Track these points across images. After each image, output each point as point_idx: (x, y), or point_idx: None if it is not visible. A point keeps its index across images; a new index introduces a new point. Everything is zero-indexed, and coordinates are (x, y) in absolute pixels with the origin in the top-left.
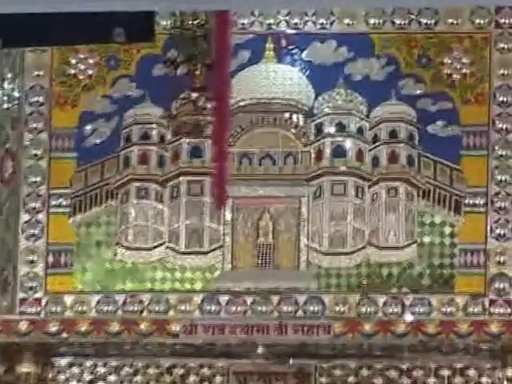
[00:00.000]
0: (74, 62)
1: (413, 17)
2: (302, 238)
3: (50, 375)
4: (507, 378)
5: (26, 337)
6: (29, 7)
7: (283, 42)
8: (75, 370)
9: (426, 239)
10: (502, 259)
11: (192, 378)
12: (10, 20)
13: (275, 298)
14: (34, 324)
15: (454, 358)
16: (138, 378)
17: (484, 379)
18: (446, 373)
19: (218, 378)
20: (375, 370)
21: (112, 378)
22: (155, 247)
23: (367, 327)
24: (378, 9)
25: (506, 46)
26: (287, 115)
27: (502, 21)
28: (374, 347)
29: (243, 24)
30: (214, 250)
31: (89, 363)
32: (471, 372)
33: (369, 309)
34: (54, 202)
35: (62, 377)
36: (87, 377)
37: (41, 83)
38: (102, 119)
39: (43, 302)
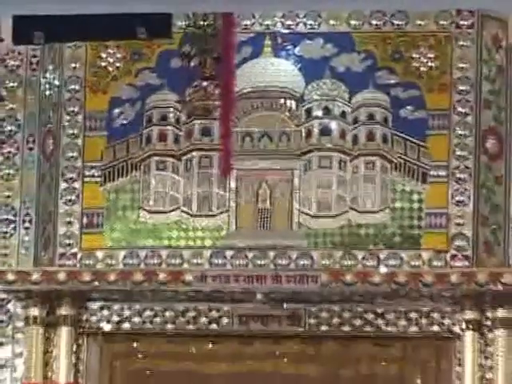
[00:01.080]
0: (104, 56)
1: (387, 19)
2: (294, 204)
3: (84, 317)
4: (465, 319)
5: (64, 285)
6: (68, 8)
7: (279, 40)
8: (105, 312)
9: (398, 204)
10: (461, 221)
11: (202, 320)
12: (52, 19)
13: (271, 254)
14: (70, 274)
15: (420, 303)
16: (157, 319)
17: (446, 321)
18: (414, 315)
19: (224, 320)
20: (355, 312)
21: (136, 319)
22: (172, 211)
23: (348, 277)
24: (359, 12)
25: (464, 44)
26: (282, 101)
27: (462, 22)
28: (354, 294)
29: (246, 25)
30: (221, 213)
31: (116, 307)
32: (435, 315)
33: (350, 262)
34: (87, 173)
35: (94, 318)
36: (115, 318)
37: (77, 74)
38: (128, 104)
39: (78, 256)
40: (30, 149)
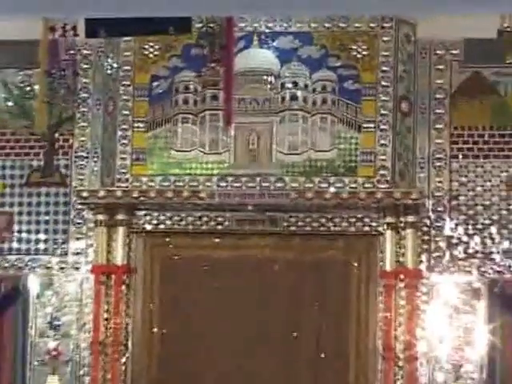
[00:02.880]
0: (146, 47)
1: (335, 22)
2: (273, 146)
3: (134, 221)
4: (386, 223)
5: (120, 199)
6: (122, 13)
7: (263, 36)
8: (147, 217)
9: (342, 146)
10: (383, 157)
11: (211, 223)
12: (111, 20)
13: (258, 179)
14: (124, 192)
15: (357, 212)
16: (182, 222)
17: (373, 223)
18: (352, 220)
19: (226, 222)
20: (313, 218)
21: (167, 222)
22: (191, 150)
23: (309, 195)
24: (317, 17)
25: (386, 39)
26: (265, 77)
27: (384, 25)
28: (312, 206)
29: (241, 26)
30: (224, 152)
31: (155, 214)
32: (366, 220)
33: (310, 185)
34: (135, 125)
35: (140, 221)
36: (154, 222)
37: (128, 59)
38: (162, 79)
39: (130, 180)
40: (98, 109)
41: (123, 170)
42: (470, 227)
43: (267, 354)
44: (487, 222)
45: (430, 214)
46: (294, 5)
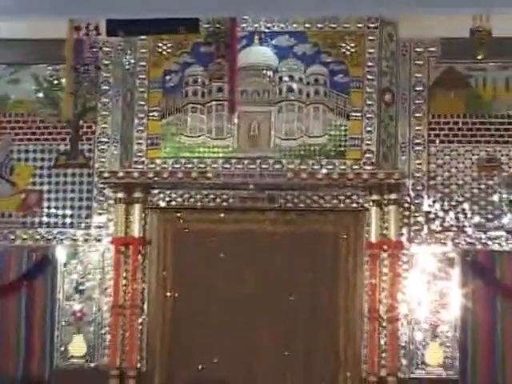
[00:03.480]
0: (160, 44)
1: (326, 23)
2: (271, 132)
3: (149, 198)
4: (371, 200)
5: (137, 179)
6: (138, 15)
7: (262, 36)
8: (161, 195)
9: (332, 132)
10: (369, 142)
11: (217, 200)
12: (129, 21)
13: (258, 161)
14: (141, 173)
15: (346, 190)
16: (191, 199)
17: (360, 200)
18: (341, 197)
19: (230, 200)
20: (307, 196)
21: (179, 199)
22: (199, 136)
23: (303, 175)
24: (311, 18)
25: (371, 38)
26: (264, 71)
27: (370, 25)
28: (306, 185)
29: (243, 26)
30: (229, 137)
31: (167, 192)
32: (354, 197)
33: (304, 166)
34: (150, 114)
35: (154, 199)
36: (167, 199)
37: (144, 55)
38: (174, 73)
39: (145, 162)
40: (117, 100)
41: (139, 154)
42: (445, 204)
43: (267, 316)
44: (461, 199)
45: (410, 192)
46: (291, 7)
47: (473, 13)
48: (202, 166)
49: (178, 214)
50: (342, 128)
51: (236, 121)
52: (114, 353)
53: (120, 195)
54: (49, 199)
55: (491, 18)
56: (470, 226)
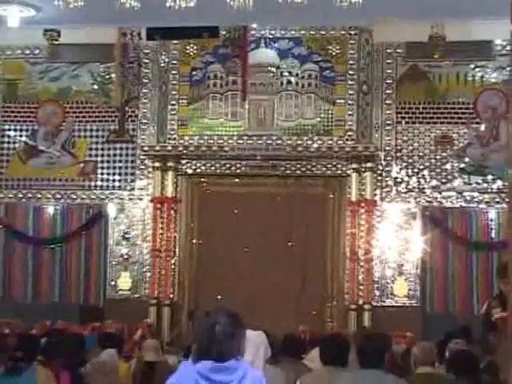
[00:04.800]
0: (187, 47)
1: (317, 30)
2: (275, 115)
3: (179, 166)
4: (351, 168)
5: (170, 152)
6: (170, 24)
7: (267, 40)
8: (188, 164)
9: (322, 115)
10: (350, 123)
11: (232, 168)
12: (164, 29)
13: (264, 137)
14: (173, 147)
15: (332, 160)
16: (212, 167)
17: (344, 168)
18: (329, 166)
19: (242, 168)
20: (303, 164)
21: (202, 167)
22: (218, 118)
23: (300, 148)
24: (306, 26)
25: (352, 42)
26: (269, 68)
27: (350, 32)
28: (302, 156)
29: (252, 33)
30: (242, 119)
31: (194, 162)
32: (339, 165)
33: (300, 141)
34: (181, 101)
35: (183, 167)
36: (193, 167)
37: (175, 56)
38: (199, 69)
39: (176, 138)
40: (154, 90)
41: (172, 132)
42: (409, 171)
43: (272, 258)
44: (421, 167)
45: (382, 161)
46: (287, 19)
47: (430, 22)
48: (221, 141)
49: (202, 179)
50: (329, 112)
51: (247, 106)
52: (153, 286)
53: (157, 164)
54: (102, 167)
55: (445, 27)
56: (428, 188)
